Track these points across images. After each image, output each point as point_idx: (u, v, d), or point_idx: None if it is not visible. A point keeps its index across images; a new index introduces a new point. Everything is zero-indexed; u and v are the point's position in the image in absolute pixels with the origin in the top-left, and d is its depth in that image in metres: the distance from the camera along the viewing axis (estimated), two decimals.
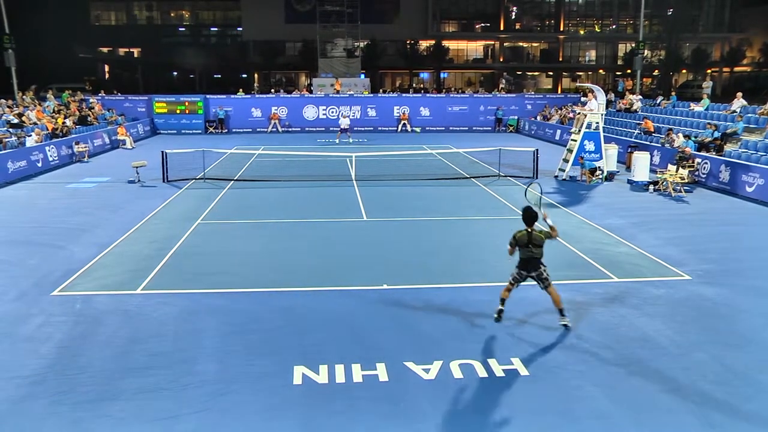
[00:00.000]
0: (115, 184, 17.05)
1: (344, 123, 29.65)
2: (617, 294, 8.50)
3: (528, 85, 59.41)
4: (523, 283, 8.70)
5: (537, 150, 18.71)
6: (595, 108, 17.98)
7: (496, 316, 7.48)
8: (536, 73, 62.94)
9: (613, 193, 16.18)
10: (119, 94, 34.81)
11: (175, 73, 59.36)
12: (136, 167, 17.55)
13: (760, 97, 29.80)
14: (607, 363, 6.48)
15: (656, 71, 53.99)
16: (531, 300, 8.19)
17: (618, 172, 18.48)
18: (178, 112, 32.70)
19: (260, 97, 35.29)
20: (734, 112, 20.17)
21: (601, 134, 18.00)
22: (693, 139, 18.82)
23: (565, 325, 7.29)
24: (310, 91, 38.56)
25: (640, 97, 28.10)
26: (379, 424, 5.36)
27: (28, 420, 5.46)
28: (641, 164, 17.24)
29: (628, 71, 45.63)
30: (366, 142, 28.14)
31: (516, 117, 34.21)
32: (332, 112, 33.93)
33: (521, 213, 7.29)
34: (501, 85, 44.96)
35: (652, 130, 22.06)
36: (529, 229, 7.17)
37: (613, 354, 6.69)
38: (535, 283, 7.40)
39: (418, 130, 7.94)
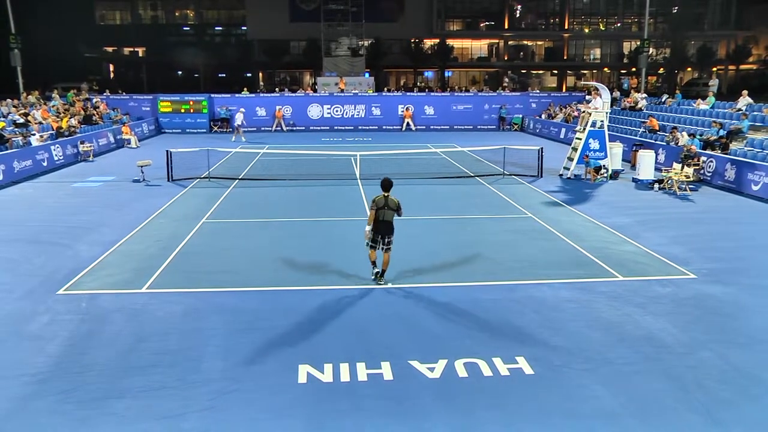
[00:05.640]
0: (120, 183, 17.10)
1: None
2: (622, 292, 8.47)
3: (532, 83, 59.25)
4: (529, 282, 8.72)
5: (542, 148, 18.66)
6: (599, 106, 17.90)
7: (374, 271, 8.74)
8: (541, 72, 62.76)
9: (618, 191, 16.13)
10: (124, 94, 34.91)
11: (180, 73, 59.45)
12: (141, 166, 17.60)
13: (766, 95, 29.62)
14: (612, 362, 6.46)
15: (661, 69, 53.71)
16: (536, 299, 8.18)
17: (623, 170, 18.41)
18: (182, 111, 32.77)
19: (265, 96, 35.34)
20: (740, 110, 20.05)
21: (606, 132, 17.94)
22: (698, 137, 18.73)
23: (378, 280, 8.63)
24: (315, 90, 38.56)
25: (645, 95, 27.98)
26: (383, 423, 5.36)
27: (34, 418, 5.49)
28: (646, 162, 17.18)
29: (633, 69, 45.45)
30: (371, 141, 28.11)
31: (521, 115, 34.13)
32: (336, 111, 33.94)
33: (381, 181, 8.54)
34: (505, 84, 44.85)
35: (657, 128, 21.97)
36: (385, 194, 8.46)
37: (618, 353, 6.66)
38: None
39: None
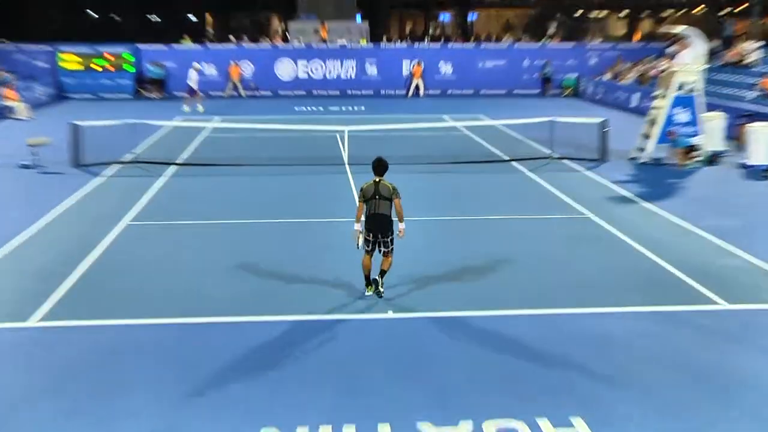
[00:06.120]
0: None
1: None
2: (728, 327, 8.37)
3: (591, 30, 59.28)
4: (587, 310, 8.67)
5: (606, 121, 18.66)
6: (689, 61, 17.91)
7: (369, 293, 9.06)
8: (603, 14, 62.83)
9: (719, 182, 16.15)
10: (7, 42, 34.69)
11: (92, 13, 59.38)
12: (33, 146, 17.49)
13: None
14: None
15: None
16: (598, 335, 8.10)
17: (726, 152, 18.39)
18: (96, 68, 32.72)
19: (215, 48, 35.27)
20: None
21: (699, 99, 17.94)
22: None
23: (378, 293, 9.04)
24: (286, 40, 38.56)
25: (760, 43, 27.85)
26: None
27: None
28: (761, 141, 17.11)
29: (740, 8, 45.45)
30: (364, 112, 28.07)
31: (575, 75, 34.17)
32: (316, 69, 33.93)
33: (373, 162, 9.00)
34: (552, 31, 44.84)
35: None
36: (377, 179, 8.86)
37: (722, 417, 6.53)
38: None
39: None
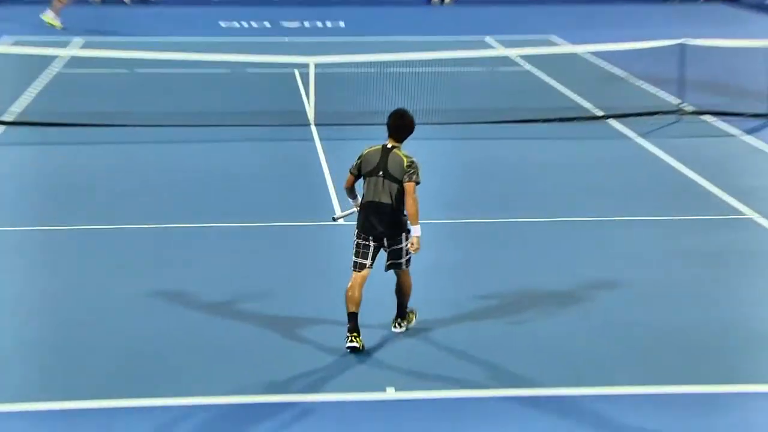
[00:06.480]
0: None
1: None
2: None
3: None
4: (740, 388, 8.68)
5: None
6: None
7: (353, 344, 9.01)
8: None
9: None
10: None
11: None
12: None
13: None
14: None
15: None
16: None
17: None
18: None
19: None
20: None
21: None
22: None
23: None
24: None
25: None
26: None
27: None
28: None
29: None
30: (344, 31, 28.49)
31: None
32: None
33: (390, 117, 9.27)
34: None
35: None
36: (390, 144, 9.11)
37: None
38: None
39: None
